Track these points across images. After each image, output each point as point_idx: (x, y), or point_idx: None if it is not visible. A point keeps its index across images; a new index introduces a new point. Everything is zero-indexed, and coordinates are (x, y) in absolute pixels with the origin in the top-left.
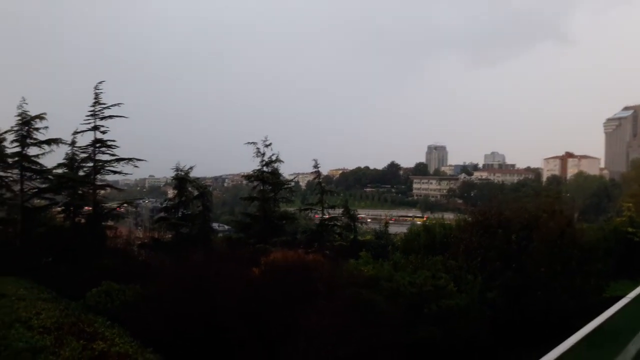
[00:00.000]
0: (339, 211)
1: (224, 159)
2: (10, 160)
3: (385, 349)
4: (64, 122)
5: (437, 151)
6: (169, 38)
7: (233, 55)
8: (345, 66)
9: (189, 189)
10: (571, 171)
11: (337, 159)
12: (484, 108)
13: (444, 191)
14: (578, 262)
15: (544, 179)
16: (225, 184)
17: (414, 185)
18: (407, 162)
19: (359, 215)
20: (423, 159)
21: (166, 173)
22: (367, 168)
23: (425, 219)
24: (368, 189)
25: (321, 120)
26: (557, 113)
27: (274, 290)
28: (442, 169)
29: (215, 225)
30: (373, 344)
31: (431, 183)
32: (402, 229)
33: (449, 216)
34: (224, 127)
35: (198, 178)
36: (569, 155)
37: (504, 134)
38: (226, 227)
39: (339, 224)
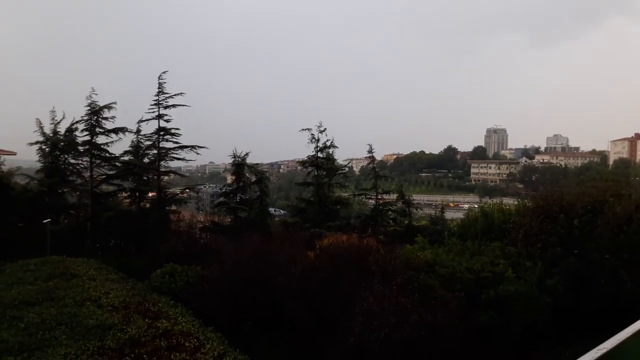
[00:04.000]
0: (393, 196)
1: (280, 145)
2: (81, 149)
3: (442, 334)
4: (130, 111)
5: (497, 134)
6: (230, 30)
7: (289, 45)
8: (402, 50)
9: (247, 174)
10: None
11: (392, 144)
12: (547, 89)
13: (504, 175)
14: None
15: (611, 162)
16: (281, 170)
17: (472, 170)
18: (465, 146)
19: (414, 201)
20: (482, 143)
21: (225, 159)
22: (422, 152)
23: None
24: (423, 174)
25: (376, 105)
26: (626, 93)
27: (330, 272)
28: (502, 152)
29: (271, 209)
30: (430, 328)
31: (490, 167)
32: (458, 215)
33: (509, 201)
34: (280, 114)
35: (255, 164)
36: (639, 136)
37: (568, 116)
38: (282, 211)
39: (393, 209)
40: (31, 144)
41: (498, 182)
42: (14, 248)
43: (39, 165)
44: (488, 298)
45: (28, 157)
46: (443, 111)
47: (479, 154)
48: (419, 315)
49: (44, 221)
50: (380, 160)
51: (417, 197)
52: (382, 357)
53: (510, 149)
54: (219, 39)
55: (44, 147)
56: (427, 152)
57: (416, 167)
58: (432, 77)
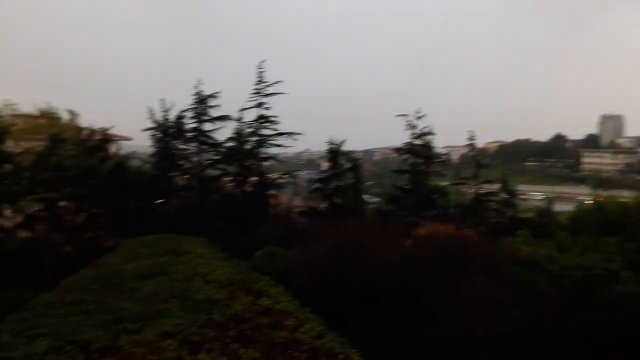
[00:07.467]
0: (495, 186)
1: (374, 132)
2: (188, 135)
3: (546, 332)
4: (231, 100)
5: (612, 121)
6: (325, 12)
7: (385, 25)
8: (501, 26)
9: (341, 161)
10: None
11: (494, 131)
12: None
13: (620, 166)
14: None
15: None
16: (375, 157)
17: (584, 160)
18: (576, 133)
19: (518, 191)
20: (594, 130)
21: (321, 147)
22: (527, 140)
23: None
24: (529, 163)
25: (476, 89)
26: None
27: (427, 262)
28: (618, 141)
29: (365, 196)
30: (532, 325)
31: (604, 157)
32: (568, 207)
33: (626, 194)
34: (376, 100)
35: (350, 151)
36: None
37: None
38: (376, 199)
39: (495, 199)
40: (145, 130)
41: (613, 173)
42: (131, 226)
43: (151, 150)
44: (600, 297)
45: (142, 143)
46: (551, 95)
47: (591, 142)
48: (520, 312)
49: (157, 202)
50: (482, 148)
51: (522, 188)
52: (481, 352)
53: (628, 137)
54: (317, 26)
55: (155, 133)
56: (533, 139)
57: (521, 156)
58: (536, 58)
